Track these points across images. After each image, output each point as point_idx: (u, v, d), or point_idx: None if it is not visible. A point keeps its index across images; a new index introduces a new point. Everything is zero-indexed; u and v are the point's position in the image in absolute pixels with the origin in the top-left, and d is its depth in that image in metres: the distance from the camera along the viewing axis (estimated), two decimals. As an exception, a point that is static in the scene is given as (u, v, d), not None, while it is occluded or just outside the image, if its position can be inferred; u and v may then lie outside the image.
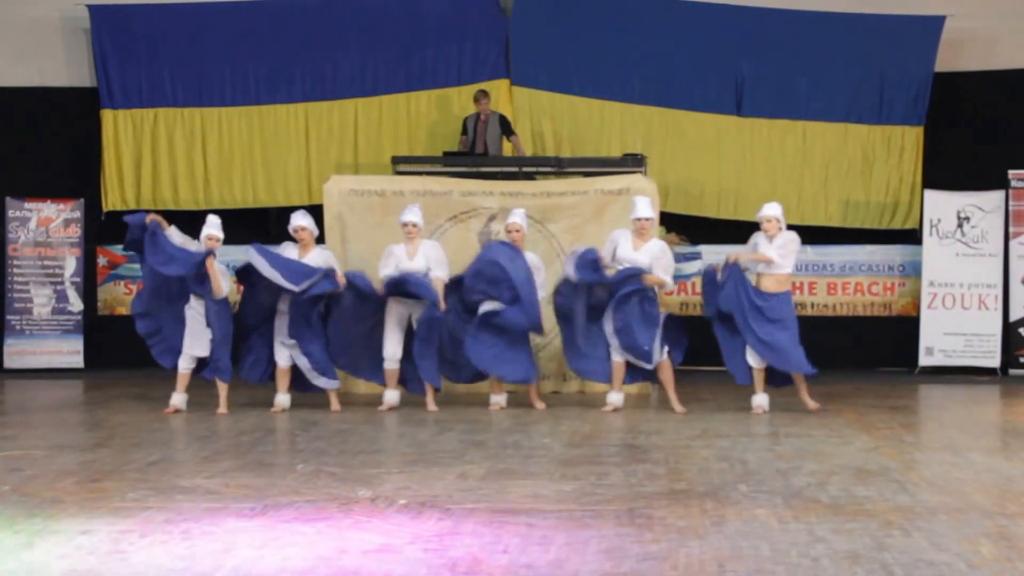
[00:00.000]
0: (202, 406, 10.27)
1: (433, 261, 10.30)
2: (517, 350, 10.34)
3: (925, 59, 13.74)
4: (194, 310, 9.97)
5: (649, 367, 10.25)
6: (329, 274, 10.05)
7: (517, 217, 10.47)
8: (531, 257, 10.45)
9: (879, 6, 13.88)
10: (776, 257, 10.02)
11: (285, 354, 10.18)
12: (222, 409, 10.04)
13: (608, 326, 10.20)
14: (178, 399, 10.15)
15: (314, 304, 10.09)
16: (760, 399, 10.18)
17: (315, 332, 10.13)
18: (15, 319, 13.94)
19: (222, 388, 10.10)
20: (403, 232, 10.37)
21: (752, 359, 10.11)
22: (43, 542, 5.53)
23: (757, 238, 10.18)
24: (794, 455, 8.00)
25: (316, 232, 10.42)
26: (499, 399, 10.45)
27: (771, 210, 10.12)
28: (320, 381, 10.22)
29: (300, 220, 10.33)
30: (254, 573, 5.03)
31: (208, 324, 9.95)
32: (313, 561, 5.19)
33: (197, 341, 9.99)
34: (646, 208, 10.25)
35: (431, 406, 10.25)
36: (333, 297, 10.17)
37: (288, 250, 10.28)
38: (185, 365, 10.09)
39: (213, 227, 10.11)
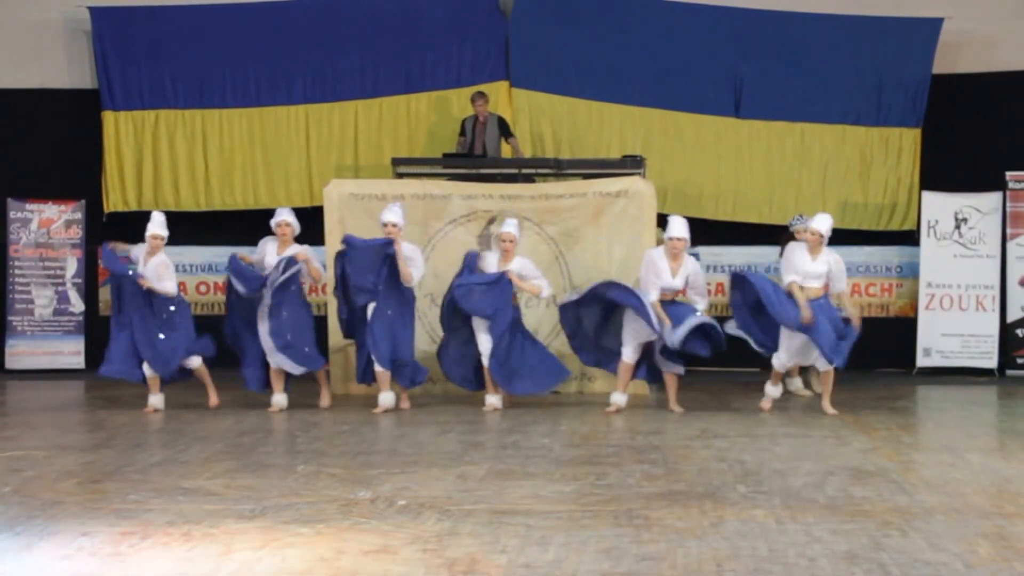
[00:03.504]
0: (201, 406, 10.33)
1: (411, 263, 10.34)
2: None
3: (923, 61, 13.74)
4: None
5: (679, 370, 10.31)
6: (289, 263, 10.23)
7: (510, 227, 10.46)
8: (522, 263, 10.44)
9: (877, 8, 13.90)
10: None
11: (277, 356, 10.31)
12: (213, 400, 10.26)
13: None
14: (155, 399, 10.36)
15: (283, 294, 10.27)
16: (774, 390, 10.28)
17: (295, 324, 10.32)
18: (16, 320, 13.96)
19: (206, 378, 10.29)
20: (383, 233, 10.36)
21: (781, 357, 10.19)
22: (44, 543, 5.56)
23: (794, 249, 10.17)
24: (792, 456, 8.03)
25: (297, 230, 10.53)
26: (494, 400, 10.45)
27: (816, 224, 10.16)
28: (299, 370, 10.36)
29: (284, 216, 10.51)
30: (254, 574, 5.06)
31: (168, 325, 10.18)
32: (312, 562, 5.22)
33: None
34: (679, 228, 10.25)
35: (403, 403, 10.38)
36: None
37: (268, 245, 10.44)
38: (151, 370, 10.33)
39: (157, 225, 10.35)
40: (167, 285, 10.20)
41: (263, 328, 10.25)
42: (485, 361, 10.33)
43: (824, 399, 10.17)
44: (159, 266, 10.22)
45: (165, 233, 10.35)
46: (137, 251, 10.44)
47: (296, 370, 10.34)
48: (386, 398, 10.29)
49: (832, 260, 10.08)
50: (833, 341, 9.86)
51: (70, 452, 8.18)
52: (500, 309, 10.25)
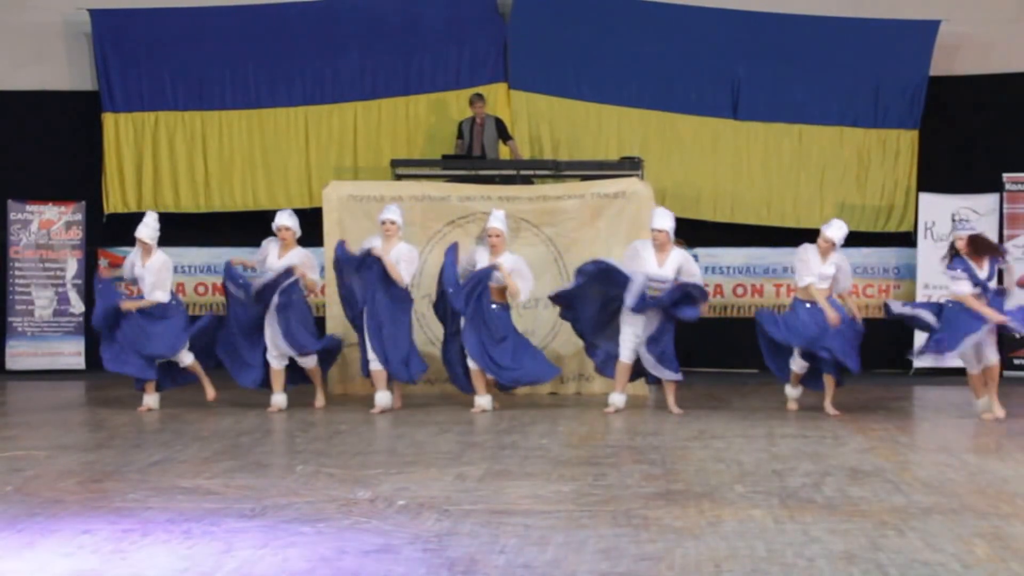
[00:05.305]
0: (201, 406, 10.36)
1: (403, 262, 10.26)
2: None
3: (920, 63, 13.78)
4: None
5: (678, 377, 10.32)
6: (285, 275, 10.26)
7: (497, 222, 10.38)
8: (513, 259, 10.38)
9: (874, 10, 13.93)
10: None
11: (276, 355, 10.36)
12: (210, 394, 10.39)
13: (638, 330, 10.23)
14: (150, 399, 10.48)
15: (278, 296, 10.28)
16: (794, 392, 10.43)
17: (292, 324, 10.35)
18: (17, 321, 13.99)
19: (200, 373, 10.39)
20: (381, 230, 10.36)
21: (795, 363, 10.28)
22: (45, 541, 5.59)
23: (808, 252, 10.23)
24: (790, 456, 8.05)
25: (299, 233, 10.53)
26: (483, 401, 10.41)
27: (831, 232, 10.23)
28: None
29: (284, 220, 10.48)
30: (254, 574, 5.08)
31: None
32: (313, 562, 5.24)
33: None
34: (662, 219, 10.27)
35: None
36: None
37: (270, 246, 10.47)
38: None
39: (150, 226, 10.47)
40: (158, 295, 10.37)
41: (272, 330, 10.28)
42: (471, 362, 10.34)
43: (827, 400, 10.28)
44: (161, 270, 10.37)
45: (146, 236, 10.38)
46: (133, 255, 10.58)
47: (308, 360, 10.41)
48: (382, 397, 10.32)
49: (839, 260, 10.20)
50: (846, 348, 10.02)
51: (71, 452, 8.21)
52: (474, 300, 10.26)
